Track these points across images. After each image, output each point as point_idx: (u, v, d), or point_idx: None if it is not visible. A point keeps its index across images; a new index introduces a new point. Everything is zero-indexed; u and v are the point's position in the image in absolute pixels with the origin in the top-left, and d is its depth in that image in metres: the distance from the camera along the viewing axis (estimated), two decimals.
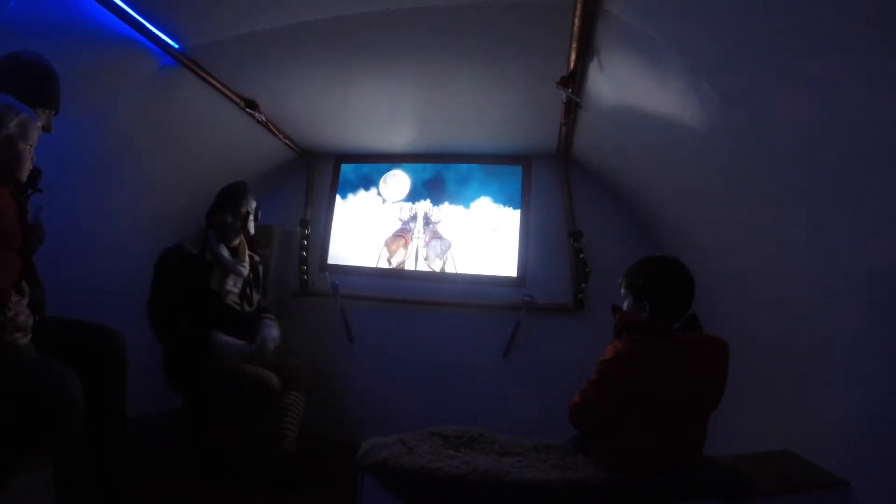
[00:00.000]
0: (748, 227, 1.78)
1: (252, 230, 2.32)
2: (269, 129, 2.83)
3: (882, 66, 1.02)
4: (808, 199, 1.41)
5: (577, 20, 1.58)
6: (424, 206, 3.25)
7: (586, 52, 1.78)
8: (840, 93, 1.15)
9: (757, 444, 1.64)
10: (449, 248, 3.15)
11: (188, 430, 2.18)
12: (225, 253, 2.22)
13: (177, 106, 2.35)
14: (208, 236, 2.23)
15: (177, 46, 2.02)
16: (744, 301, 1.95)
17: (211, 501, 1.90)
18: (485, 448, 1.46)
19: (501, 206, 3.12)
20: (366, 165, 3.39)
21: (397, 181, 3.33)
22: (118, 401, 1.50)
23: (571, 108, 2.21)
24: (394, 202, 3.30)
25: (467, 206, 3.17)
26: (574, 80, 1.95)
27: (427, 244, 3.19)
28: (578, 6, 1.52)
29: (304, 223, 3.28)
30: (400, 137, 3.07)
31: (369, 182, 3.37)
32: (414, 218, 3.25)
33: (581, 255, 2.82)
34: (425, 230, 3.22)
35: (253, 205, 2.32)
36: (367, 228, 3.30)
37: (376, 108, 2.67)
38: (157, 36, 1.92)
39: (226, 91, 2.37)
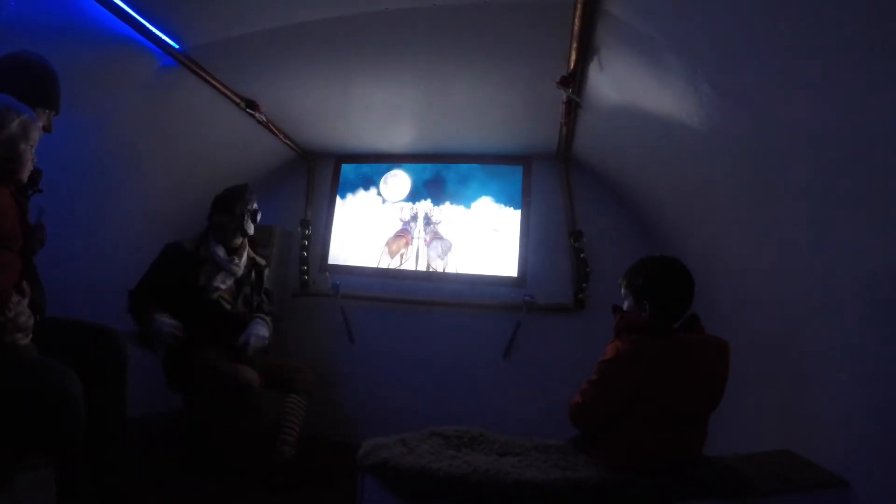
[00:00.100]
0: (748, 226, 1.78)
1: (250, 231, 2.32)
2: (270, 130, 2.84)
3: (882, 66, 1.02)
4: (809, 199, 1.41)
5: (577, 20, 1.58)
6: (425, 206, 3.25)
7: (586, 52, 1.78)
8: (840, 93, 1.15)
9: (757, 444, 1.64)
10: (450, 249, 3.15)
11: (187, 429, 2.18)
12: (220, 251, 2.23)
13: (177, 106, 2.36)
14: (208, 236, 2.27)
15: (177, 47, 2.02)
16: (744, 301, 1.94)
17: (211, 501, 1.90)
18: (485, 448, 1.46)
19: (502, 206, 3.12)
20: (366, 165, 3.39)
21: (398, 181, 3.33)
22: (118, 401, 1.50)
23: (571, 108, 2.21)
24: (394, 202, 3.30)
25: (468, 207, 3.18)
26: (574, 80, 1.95)
27: (428, 244, 3.20)
28: (578, 6, 1.52)
29: (304, 223, 3.28)
30: (400, 137, 3.07)
31: (369, 182, 3.37)
32: (414, 218, 3.25)
33: (581, 255, 2.82)
34: (426, 230, 3.22)
35: (250, 206, 2.32)
36: (368, 229, 3.30)
37: (376, 108, 2.67)
38: (157, 36, 1.92)
39: (226, 91, 2.37)
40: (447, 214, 3.20)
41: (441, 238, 3.18)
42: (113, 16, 1.74)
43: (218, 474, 2.04)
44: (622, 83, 1.88)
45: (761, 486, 1.29)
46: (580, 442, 1.47)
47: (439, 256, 3.16)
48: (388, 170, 3.35)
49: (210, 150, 2.75)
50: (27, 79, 1.37)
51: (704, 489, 1.24)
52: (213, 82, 2.27)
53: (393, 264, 3.21)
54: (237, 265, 2.27)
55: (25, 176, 1.28)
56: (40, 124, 1.31)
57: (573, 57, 1.79)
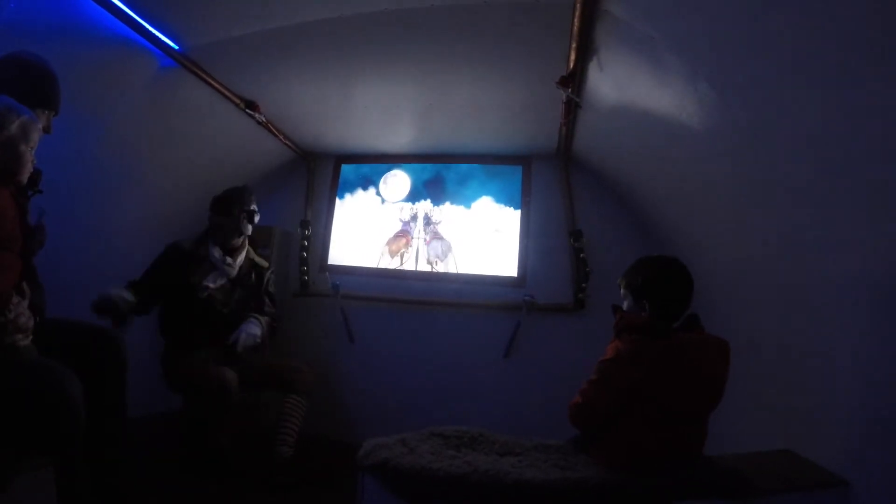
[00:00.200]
0: (748, 226, 1.78)
1: (248, 232, 2.32)
2: (270, 130, 2.83)
3: (882, 65, 1.02)
4: (809, 199, 1.41)
5: (576, 20, 1.58)
6: (425, 206, 3.25)
7: (586, 52, 1.78)
8: (840, 92, 1.15)
9: (757, 444, 1.64)
10: (450, 249, 3.15)
11: (187, 429, 2.18)
12: (216, 251, 2.24)
13: (177, 107, 2.35)
14: (208, 236, 2.28)
15: (176, 47, 2.02)
16: (744, 301, 1.94)
17: (211, 501, 1.91)
18: (485, 448, 1.46)
19: (502, 206, 3.12)
20: (366, 166, 3.39)
21: (397, 181, 3.33)
22: (118, 401, 1.50)
23: (571, 108, 2.21)
24: (394, 202, 3.30)
25: (468, 207, 3.18)
26: (574, 80, 1.95)
27: (428, 244, 3.20)
28: (578, 6, 1.52)
29: (304, 224, 3.28)
30: (400, 137, 3.07)
31: (369, 182, 3.37)
32: (414, 218, 3.25)
33: (581, 255, 2.82)
34: (426, 230, 3.22)
35: (248, 207, 2.31)
36: (368, 229, 3.29)
37: (376, 109, 2.67)
38: (156, 37, 1.92)
39: (226, 92, 2.37)
40: (447, 214, 3.20)
41: (441, 238, 3.18)
42: (112, 16, 1.73)
43: (218, 474, 2.04)
44: (622, 83, 1.88)
45: (761, 486, 1.29)
46: (580, 442, 1.47)
47: (439, 256, 3.16)
48: (388, 170, 3.35)
49: (210, 151, 2.75)
50: (27, 80, 1.37)
51: (704, 489, 1.24)
52: (213, 83, 2.27)
53: (393, 264, 3.21)
54: (230, 265, 2.27)
55: (25, 177, 1.28)
56: (40, 125, 1.31)
57: (573, 57, 1.79)
